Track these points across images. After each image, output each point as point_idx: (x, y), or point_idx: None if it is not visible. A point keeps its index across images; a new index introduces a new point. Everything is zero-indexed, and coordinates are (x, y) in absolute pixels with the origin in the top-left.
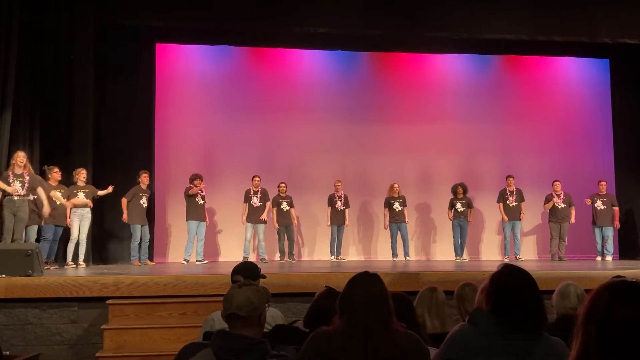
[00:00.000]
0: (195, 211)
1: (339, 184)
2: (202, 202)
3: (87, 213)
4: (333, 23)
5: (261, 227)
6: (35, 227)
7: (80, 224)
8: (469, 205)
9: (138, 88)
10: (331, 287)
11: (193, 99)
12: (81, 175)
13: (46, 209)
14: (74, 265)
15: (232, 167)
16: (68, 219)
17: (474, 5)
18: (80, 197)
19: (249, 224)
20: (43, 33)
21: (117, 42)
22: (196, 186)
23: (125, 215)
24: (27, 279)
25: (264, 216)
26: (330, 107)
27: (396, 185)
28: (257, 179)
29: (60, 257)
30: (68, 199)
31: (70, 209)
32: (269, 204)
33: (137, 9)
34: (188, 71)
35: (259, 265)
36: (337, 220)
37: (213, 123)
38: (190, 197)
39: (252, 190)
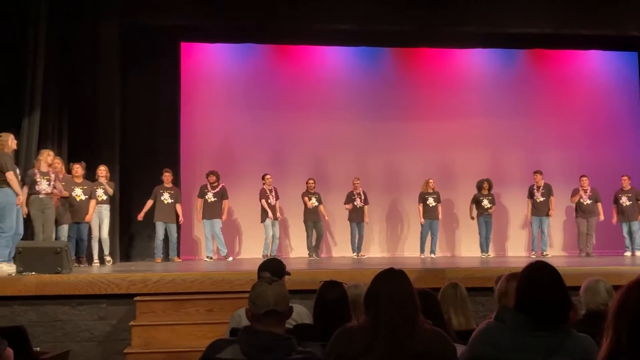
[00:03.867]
0: (206, 209)
1: (358, 181)
2: (213, 199)
3: (105, 210)
4: (355, 19)
5: (277, 224)
6: (66, 226)
7: (99, 221)
8: (493, 202)
9: (163, 86)
10: (327, 280)
11: (217, 96)
12: (100, 171)
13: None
14: (98, 263)
15: (256, 164)
16: (89, 215)
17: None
18: (99, 192)
19: (268, 224)
20: (69, 34)
21: (142, 41)
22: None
23: (140, 215)
24: (56, 277)
25: (277, 215)
26: (353, 103)
27: (431, 181)
28: (269, 177)
29: (88, 255)
30: (90, 195)
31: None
32: (278, 202)
33: (160, 8)
34: (212, 69)
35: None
36: (356, 217)
37: (237, 121)
38: (202, 196)
39: (267, 188)
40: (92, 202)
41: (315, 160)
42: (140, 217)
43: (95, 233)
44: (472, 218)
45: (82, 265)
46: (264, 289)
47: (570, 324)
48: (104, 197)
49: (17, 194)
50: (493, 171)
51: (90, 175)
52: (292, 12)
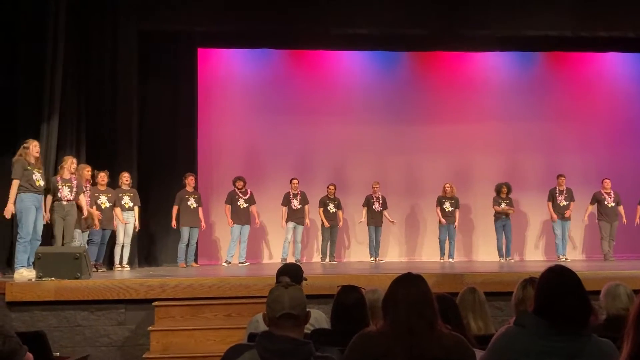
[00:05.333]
0: (237, 215)
1: (377, 185)
2: (245, 205)
3: (131, 217)
4: (373, 24)
5: (300, 228)
6: (87, 232)
7: (125, 227)
8: (512, 205)
9: (181, 92)
10: (345, 285)
11: (234, 102)
12: (124, 179)
13: (85, 213)
14: (120, 268)
15: (273, 170)
16: (122, 220)
17: (516, 2)
18: (126, 200)
19: (290, 227)
20: (88, 40)
21: (160, 47)
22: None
23: (173, 222)
24: (75, 282)
25: (306, 221)
26: (371, 108)
27: (448, 186)
28: (296, 181)
29: (106, 260)
30: (115, 203)
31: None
32: (307, 206)
33: (178, 14)
34: (229, 75)
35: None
36: (374, 221)
37: (255, 126)
38: (231, 202)
39: (291, 193)
40: (117, 210)
41: (333, 165)
42: (174, 225)
43: (120, 239)
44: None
45: (100, 271)
46: (280, 293)
47: (591, 328)
48: (130, 204)
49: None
50: (512, 175)
51: (111, 182)
52: (309, 17)
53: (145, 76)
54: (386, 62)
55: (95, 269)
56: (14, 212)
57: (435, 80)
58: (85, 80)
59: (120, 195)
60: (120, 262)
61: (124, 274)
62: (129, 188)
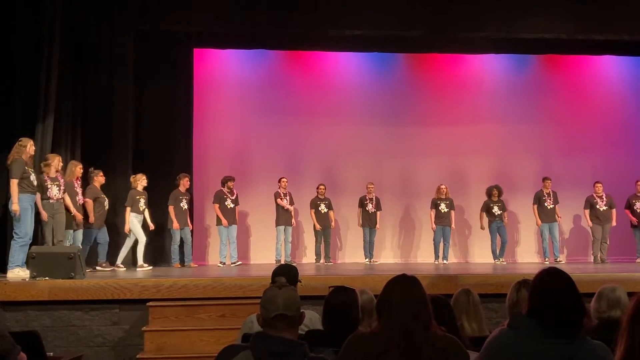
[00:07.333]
0: (225, 215)
1: (371, 186)
2: (232, 205)
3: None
4: (369, 25)
5: (289, 229)
6: (81, 231)
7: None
8: (504, 208)
9: (177, 92)
10: (334, 286)
11: (230, 102)
12: (143, 181)
13: (78, 217)
14: (148, 268)
15: (269, 170)
16: (126, 225)
17: (512, 5)
18: (142, 203)
19: (280, 227)
20: (84, 40)
21: (156, 47)
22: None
23: (175, 224)
24: (69, 282)
25: (293, 221)
26: (366, 109)
27: (443, 187)
28: (285, 180)
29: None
30: (129, 205)
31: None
32: (293, 207)
33: (174, 15)
34: (225, 75)
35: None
36: (369, 222)
37: (250, 126)
38: (219, 201)
39: (281, 192)
40: (127, 210)
41: (328, 166)
42: (176, 225)
43: (142, 238)
44: (483, 228)
45: (94, 270)
46: (274, 293)
47: (584, 330)
48: (143, 207)
49: (13, 202)
50: (505, 177)
51: (105, 182)
52: (305, 18)
53: (141, 76)
54: (381, 63)
55: (102, 269)
56: (17, 211)
57: (430, 82)
58: (81, 79)
59: (137, 197)
60: (145, 261)
61: (118, 274)
62: (142, 190)
